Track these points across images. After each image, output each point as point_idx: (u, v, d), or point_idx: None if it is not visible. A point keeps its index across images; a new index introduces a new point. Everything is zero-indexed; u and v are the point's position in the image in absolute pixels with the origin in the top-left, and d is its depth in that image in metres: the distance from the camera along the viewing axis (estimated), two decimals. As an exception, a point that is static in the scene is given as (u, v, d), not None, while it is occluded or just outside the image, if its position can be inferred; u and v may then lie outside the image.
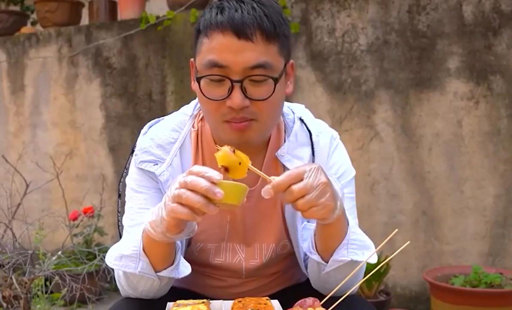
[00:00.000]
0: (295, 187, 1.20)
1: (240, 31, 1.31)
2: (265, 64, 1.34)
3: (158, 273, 1.37)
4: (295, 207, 1.22)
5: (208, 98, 1.37)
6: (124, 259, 1.37)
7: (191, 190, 1.17)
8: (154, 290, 1.43)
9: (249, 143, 1.40)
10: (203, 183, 1.16)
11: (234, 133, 1.38)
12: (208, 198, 1.17)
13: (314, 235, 1.43)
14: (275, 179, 1.21)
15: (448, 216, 3.61)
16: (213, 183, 1.16)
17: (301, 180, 1.21)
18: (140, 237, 1.35)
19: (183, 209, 1.18)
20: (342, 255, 1.38)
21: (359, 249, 1.39)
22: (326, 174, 1.26)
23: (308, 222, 1.53)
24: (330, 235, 1.38)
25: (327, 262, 1.41)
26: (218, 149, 1.26)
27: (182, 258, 1.45)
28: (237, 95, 1.33)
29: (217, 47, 1.34)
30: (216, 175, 1.17)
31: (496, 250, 3.52)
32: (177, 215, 1.20)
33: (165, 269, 1.38)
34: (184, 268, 1.43)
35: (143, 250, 1.35)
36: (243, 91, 1.34)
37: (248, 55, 1.32)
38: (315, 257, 1.43)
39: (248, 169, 1.26)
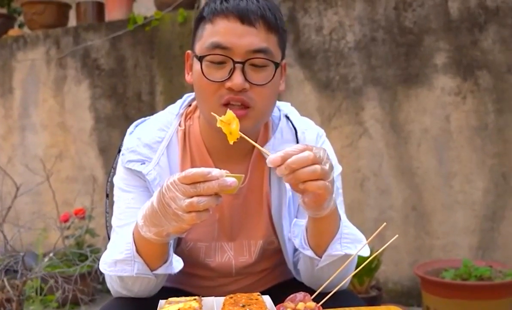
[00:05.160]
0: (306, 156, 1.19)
1: (245, 17, 1.37)
2: (266, 49, 1.39)
3: (154, 272, 1.38)
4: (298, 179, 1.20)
5: (208, 79, 1.39)
6: (119, 264, 1.37)
7: (205, 195, 1.17)
8: (149, 289, 1.43)
9: (243, 132, 1.40)
10: (215, 184, 1.16)
11: None
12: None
13: (306, 231, 1.44)
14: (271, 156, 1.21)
15: (437, 211, 3.64)
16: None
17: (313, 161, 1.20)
18: (131, 239, 1.35)
19: (202, 214, 1.19)
20: (336, 249, 1.39)
21: (352, 243, 1.41)
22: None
23: (297, 218, 1.54)
24: (323, 230, 1.39)
25: (320, 257, 1.42)
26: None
27: (173, 253, 1.46)
28: (238, 77, 1.37)
29: (221, 31, 1.38)
30: (218, 171, 1.17)
31: (485, 244, 3.55)
32: (198, 221, 1.19)
33: (160, 266, 1.38)
34: (176, 263, 1.44)
35: (137, 251, 1.35)
36: (244, 74, 1.38)
37: (251, 39, 1.38)
38: (308, 252, 1.44)
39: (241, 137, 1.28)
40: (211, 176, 1.16)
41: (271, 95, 1.45)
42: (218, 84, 1.39)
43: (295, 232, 1.51)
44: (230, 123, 1.28)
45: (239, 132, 1.28)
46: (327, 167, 1.21)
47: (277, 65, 1.42)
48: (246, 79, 1.38)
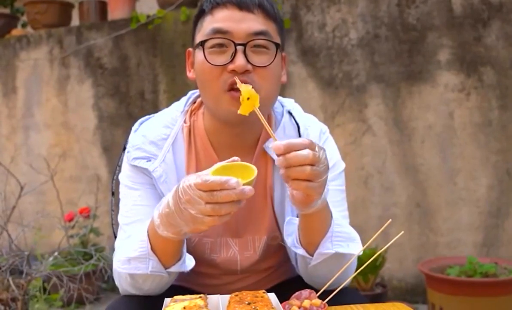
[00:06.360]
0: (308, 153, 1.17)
1: (242, 4, 1.42)
2: (266, 32, 1.42)
3: (168, 269, 1.38)
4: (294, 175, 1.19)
5: (211, 64, 1.41)
6: (133, 261, 1.37)
7: (223, 202, 1.15)
8: (160, 286, 1.44)
9: (247, 117, 1.36)
10: (232, 193, 1.14)
11: (235, 105, 1.36)
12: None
13: (299, 229, 1.44)
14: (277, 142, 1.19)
15: (441, 208, 3.63)
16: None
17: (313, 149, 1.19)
18: (146, 237, 1.35)
19: (223, 217, 1.18)
20: (327, 247, 1.39)
21: (344, 241, 1.40)
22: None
23: (292, 216, 1.53)
24: (314, 228, 1.39)
25: (312, 256, 1.42)
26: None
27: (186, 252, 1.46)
28: (240, 58, 1.38)
29: (220, 18, 1.42)
30: (235, 180, 1.15)
31: (490, 240, 3.55)
32: (219, 223, 1.19)
33: (174, 264, 1.39)
34: (189, 261, 1.44)
35: (151, 249, 1.35)
36: (246, 56, 1.39)
37: (249, 23, 1.42)
38: (300, 251, 1.44)
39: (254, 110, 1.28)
40: (228, 185, 1.14)
41: (273, 79, 1.45)
42: (221, 68, 1.40)
43: (288, 230, 1.50)
44: (247, 96, 1.29)
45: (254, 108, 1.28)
46: (320, 168, 1.19)
47: (277, 45, 1.44)
48: (248, 61, 1.39)
